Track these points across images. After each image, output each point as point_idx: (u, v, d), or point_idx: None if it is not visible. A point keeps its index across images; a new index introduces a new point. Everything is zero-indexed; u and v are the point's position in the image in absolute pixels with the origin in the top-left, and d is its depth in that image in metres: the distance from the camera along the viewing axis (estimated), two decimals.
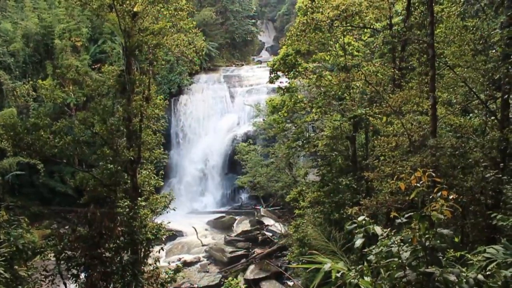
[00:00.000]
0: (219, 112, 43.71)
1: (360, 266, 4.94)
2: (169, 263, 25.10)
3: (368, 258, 4.96)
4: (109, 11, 17.08)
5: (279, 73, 21.90)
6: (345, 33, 17.89)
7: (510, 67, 9.93)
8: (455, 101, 13.47)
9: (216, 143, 41.45)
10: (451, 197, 4.68)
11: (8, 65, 37.13)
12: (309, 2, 18.65)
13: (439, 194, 4.64)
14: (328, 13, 16.30)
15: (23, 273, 10.81)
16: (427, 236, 4.58)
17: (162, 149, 19.90)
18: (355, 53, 19.52)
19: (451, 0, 14.71)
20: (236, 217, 36.42)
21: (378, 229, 5.00)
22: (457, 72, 12.24)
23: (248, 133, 40.34)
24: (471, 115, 13.51)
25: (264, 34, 70.13)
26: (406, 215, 4.90)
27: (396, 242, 4.76)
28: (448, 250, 5.04)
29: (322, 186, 19.23)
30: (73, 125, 19.13)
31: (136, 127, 17.73)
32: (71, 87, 31.47)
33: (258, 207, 37.69)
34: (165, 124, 20.89)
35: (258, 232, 31.49)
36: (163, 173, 20.84)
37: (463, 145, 11.26)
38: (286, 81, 22.52)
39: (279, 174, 30.51)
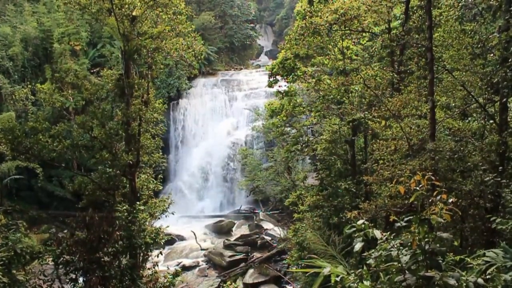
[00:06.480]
0: (218, 116, 43.70)
1: (359, 270, 4.94)
2: (167, 267, 24.96)
3: (368, 262, 4.95)
4: (108, 15, 17.10)
5: (278, 77, 21.94)
6: (343, 37, 17.91)
7: (508, 70, 9.95)
8: (453, 104, 13.49)
9: (215, 147, 41.43)
10: (450, 200, 4.68)
11: (7, 69, 37.12)
12: (308, 6, 18.72)
13: (438, 197, 4.64)
14: (327, 17, 16.34)
15: (21, 277, 10.76)
16: (426, 239, 4.58)
17: (161, 153, 19.90)
18: (354, 57, 19.55)
19: (449, 4, 14.76)
20: (235, 221, 36.36)
21: (377, 233, 4.99)
22: (456, 76, 12.26)
23: (247, 137, 40.36)
24: (469, 118, 13.54)
25: (263, 38, 70.22)
26: (406, 219, 4.89)
27: (395, 246, 4.75)
28: (447, 253, 5.04)
29: (321, 190, 19.21)
30: (72, 129, 19.10)
31: (135, 131, 17.72)
32: (70, 91, 31.48)
33: (257, 211, 37.66)
34: (164, 128, 20.85)
35: (257, 236, 31.44)
36: (162, 177, 20.81)
37: (462, 148, 11.27)
38: (285, 85, 22.56)
39: (278, 178, 30.51)
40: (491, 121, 11.50)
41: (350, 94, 17.60)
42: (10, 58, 37.71)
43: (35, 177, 34.53)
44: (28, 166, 30.90)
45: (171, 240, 29.83)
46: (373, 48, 18.35)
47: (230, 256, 28.68)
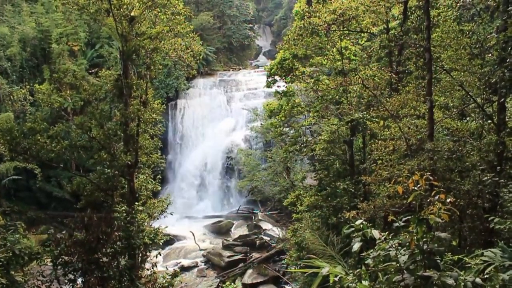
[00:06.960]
0: (216, 117, 43.70)
1: (358, 270, 4.94)
2: (166, 268, 25.00)
3: (366, 262, 4.96)
4: (106, 16, 17.08)
5: (277, 78, 21.95)
6: (342, 37, 17.92)
7: (506, 70, 9.97)
8: (452, 104, 13.51)
9: (214, 147, 41.41)
10: (448, 200, 4.68)
11: (5, 69, 37.04)
12: (306, 6, 18.72)
13: (436, 197, 4.64)
14: (325, 17, 16.34)
15: (20, 278, 10.72)
16: (424, 239, 4.58)
17: (159, 154, 19.88)
18: (352, 57, 19.56)
19: (447, 4, 14.79)
20: (234, 222, 36.37)
21: (375, 233, 5.00)
22: (454, 76, 12.28)
23: (246, 138, 40.36)
24: (468, 118, 13.54)
25: (262, 39, 70.28)
26: (404, 219, 4.89)
27: (394, 246, 4.76)
28: (446, 253, 5.05)
29: (319, 190, 19.22)
30: (70, 130, 19.08)
31: (134, 132, 17.70)
32: (68, 92, 31.42)
33: (255, 212, 37.65)
34: (163, 128, 20.84)
35: (256, 236, 31.44)
36: (161, 177, 20.79)
37: (460, 148, 11.28)
38: (284, 85, 22.56)
39: (276, 178, 30.51)
40: (489, 121, 11.51)
41: (349, 94, 17.61)
42: (8, 58, 37.63)
43: (33, 177, 34.47)
44: (26, 167, 30.89)
45: (170, 240, 29.82)
46: (372, 49, 18.36)
47: (229, 257, 28.68)
